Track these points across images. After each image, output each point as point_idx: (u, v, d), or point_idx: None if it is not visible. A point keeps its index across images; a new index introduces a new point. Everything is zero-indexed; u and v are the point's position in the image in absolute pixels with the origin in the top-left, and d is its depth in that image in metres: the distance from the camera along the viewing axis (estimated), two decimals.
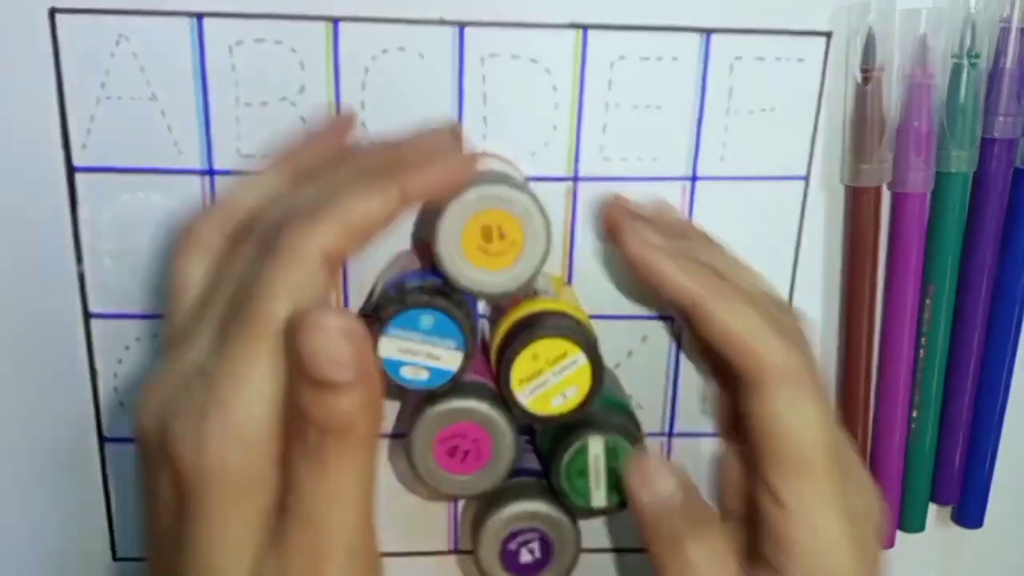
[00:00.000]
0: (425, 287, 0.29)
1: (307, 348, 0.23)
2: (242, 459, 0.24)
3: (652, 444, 0.35)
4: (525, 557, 0.33)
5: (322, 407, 0.23)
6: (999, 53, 0.33)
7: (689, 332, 0.30)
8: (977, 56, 0.33)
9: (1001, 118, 0.34)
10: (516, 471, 0.32)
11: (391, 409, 0.35)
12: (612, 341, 0.35)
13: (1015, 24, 0.33)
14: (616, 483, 0.32)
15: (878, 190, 0.34)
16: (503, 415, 0.30)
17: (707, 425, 0.37)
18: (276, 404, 0.24)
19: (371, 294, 0.33)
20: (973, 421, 0.37)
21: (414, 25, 0.32)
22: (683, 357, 0.36)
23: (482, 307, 0.34)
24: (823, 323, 0.36)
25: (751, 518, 0.29)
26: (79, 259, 0.33)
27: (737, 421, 0.29)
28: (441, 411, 0.30)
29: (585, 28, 0.32)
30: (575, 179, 0.34)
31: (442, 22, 0.32)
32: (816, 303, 0.36)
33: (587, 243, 0.35)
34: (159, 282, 0.34)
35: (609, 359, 0.35)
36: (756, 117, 0.34)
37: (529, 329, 0.30)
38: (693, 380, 0.37)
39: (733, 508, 0.30)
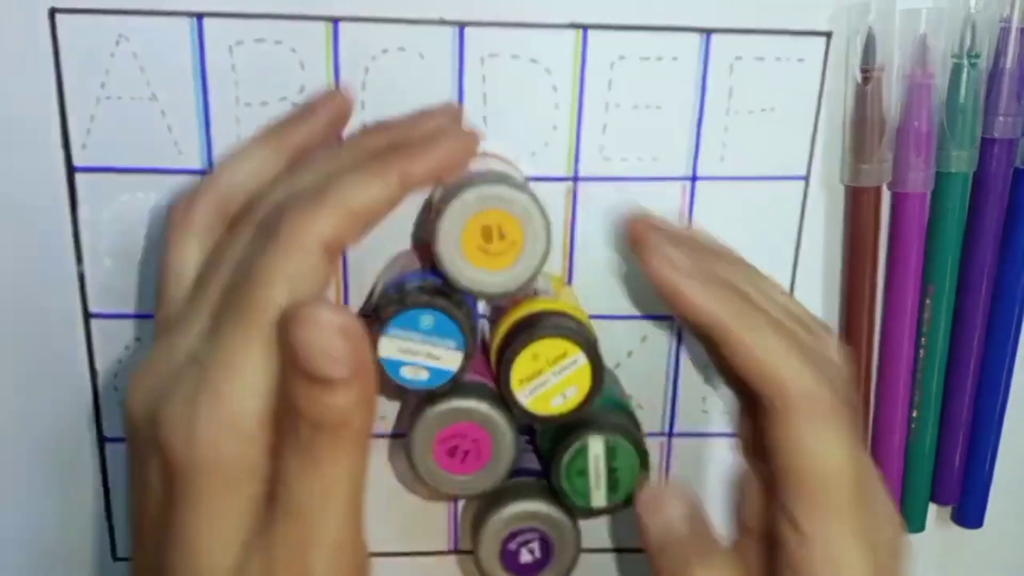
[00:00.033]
0: (425, 287, 0.29)
1: (301, 343, 0.23)
2: (233, 449, 0.24)
3: (652, 444, 0.35)
4: (525, 557, 0.33)
5: (315, 402, 0.23)
6: (999, 53, 0.33)
7: (713, 353, 0.29)
8: (977, 56, 0.33)
9: (1001, 118, 0.34)
10: (516, 471, 0.32)
11: (391, 409, 0.35)
12: (612, 341, 0.35)
13: (1015, 24, 0.33)
14: (616, 483, 0.32)
15: (878, 190, 0.34)
16: (503, 415, 0.30)
17: (707, 425, 0.37)
18: (269, 394, 0.24)
19: (371, 294, 0.33)
20: (973, 421, 0.37)
21: (414, 25, 0.32)
22: (683, 357, 0.36)
23: (482, 307, 0.34)
24: None
25: (769, 538, 0.28)
26: (79, 259, 0.33)
27: (759, 441, 0.28)
28: (441, 411, 0.30)
29: (585, 28, 0.32)
30: (575, 179, 0.34)
31: (442, 22, 0.32)
32: (816, 303, 0.36)
33: (587, 243, 0.35)
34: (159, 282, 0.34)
35: (609, 359, 0.35)
36: (756, 117, 0.34)
37: (529, 329, 0.30)
38: (693, 380, 0.37)
39: (752, 527, 0.29)
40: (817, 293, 0.36)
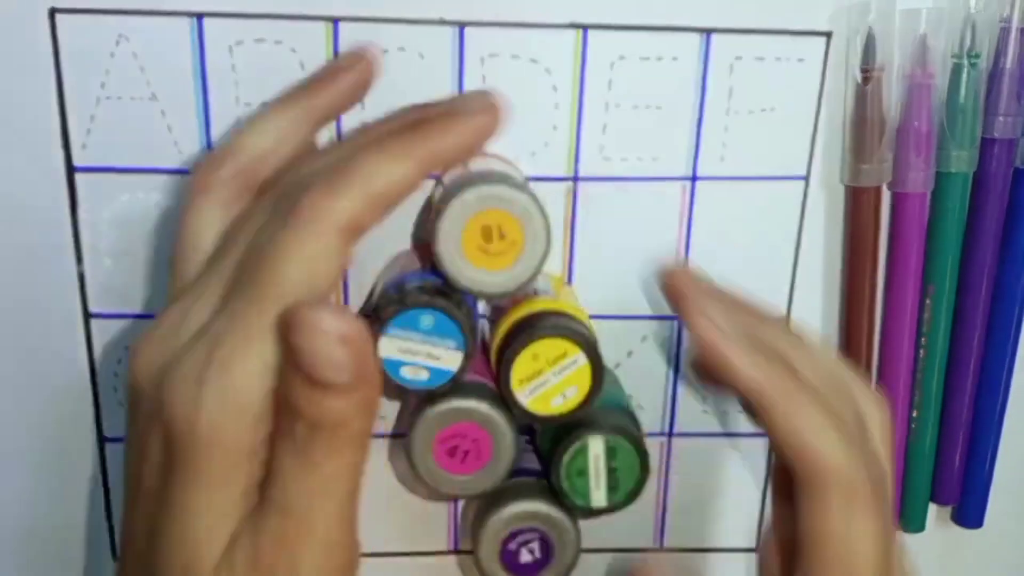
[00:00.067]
0: (425, 287, 0.29)
1: (301, 348, 0.22)
2: (237, 429, 0.23)
3: (652, 444, 0.35)
4: (525, 557, 0.33)
5: (314, 403, 0.23)
6: (999, 53, 0.33)
7: (750, 410, 0.28)
8: (977, 56, 0.33)
9: (1001, 118, 0.34)
10: (516, 471, 0.32)
11: (391, 409, 0.35)
12: (612, 341, 0.35)
13: (1015, 24, 0.33)
14: (616, 483, 0.32)
15: (878, 190, 0.34)
16: (503, 415, 0.30)
17: (707, 425, 0.37)
18: (277, 376, 0.23)
19: (371, 294, 0.33)
20: (973, 421, 0.37)
21: (414, 25, 0.32)
22: (683, 357, 0.36)
23: (482, 307, 0.34)
24: (823, 323, 0.36)
25: None
26: (79, 259, 0.33)
27: (787, 503, 0.28)
28: (441, 411, 0.30)
29: (585, 28, 0.32)
30: (575, 179, 0.34)
31: (442, 22, 0.32)
32: (816, 303, 0.36)
33: (587, 243, 0.35)
34: (159, 282, 0.34)
35: (609, 359, 0.35)
36: (756, 117, 0.34)
37: (529, 329, 0.30)
38: (690, 377, 0.37)
39: None
40: (817, 293, 0.36)
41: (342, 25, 0.31)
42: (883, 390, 0.36)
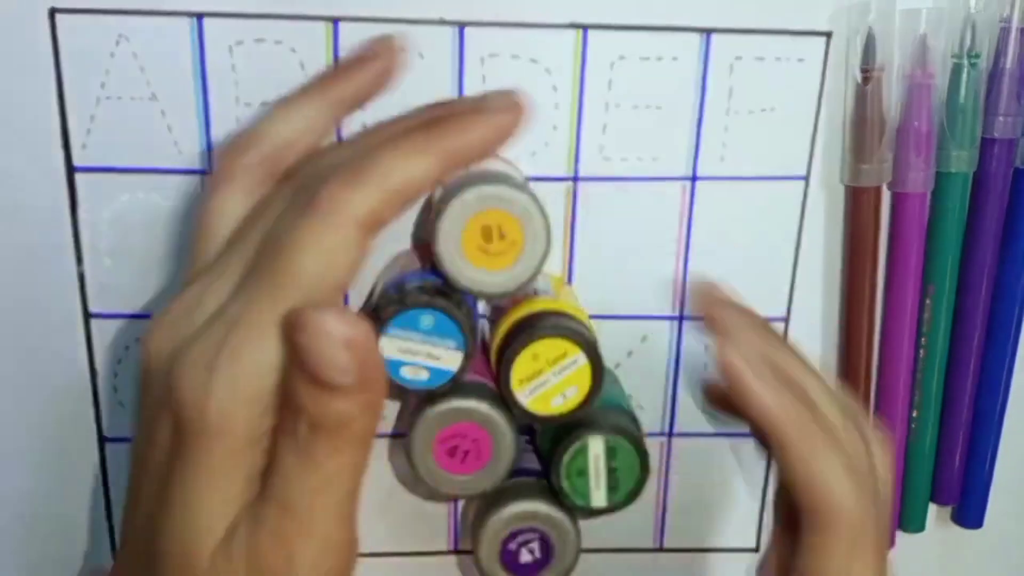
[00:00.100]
0: (425, 287, 0.29)
1: (306, 349, 0.22)
2: (244, 415, 0.23)
3: (652, 444, 0.35)
4: (525, 557, 0.33)
5: (317, 403, 0.23)
6: (999, 53, 0.33)
7: (764, 448, 0.28)
8: (977, 56, 0.33)
9: (1001, 118, 0.34)
10: (516, 471, 0.32)
11: (391, 409, 0.35)
12: (612, 341, 0.35)
13: (1015, 24, 0.33)
14: (616, 483, 0.32)
15: (878, 190, 0.34)
16: (503, 415, 0.30)
17: (707, 425, 0.37)
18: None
19: (371, 294, 0.33)
20: (973, 421, 0.37)
21: (414, 25, 0.31)
22: (683, 357, 0.36)
23: (482, 307, 0.34)
24: (823, 323, 0.36)
25: None
26: (79, 259, 0.33)
27: (789, 530, 0.28)
28: (441, 411, 0.30)
29: (585, 28, 0.32)
30: (575, 179, 0.34)
31: (442, 22, 0.32)
32: (816, 303, 0.36)
33: (587, 243, 0.35)
34: (159, 282, 0.34)
35: (609, 359, 0.35)
36: (756, 117, 0.34)
37: (529, 329, 0.30)
38: (693, 380, 0.37)
39: None
40: (817, 293, 0.36)
41: (342, 25, 0.31)
42: (883, 390, 0.36)
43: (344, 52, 0.31)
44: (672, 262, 0.35)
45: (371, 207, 0.24)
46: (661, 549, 0.38)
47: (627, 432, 0.31)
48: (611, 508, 0.32)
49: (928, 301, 0.36)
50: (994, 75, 0.34)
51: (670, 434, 0.37)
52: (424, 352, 0.29)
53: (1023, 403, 0.38)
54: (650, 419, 0.37)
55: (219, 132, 0.32)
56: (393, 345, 0.28)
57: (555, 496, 0.32)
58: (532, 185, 0.33)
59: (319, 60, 0.32)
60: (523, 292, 0.31)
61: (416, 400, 0.31)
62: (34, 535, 0.36)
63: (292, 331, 0.23)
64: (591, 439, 0.31)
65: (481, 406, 0.30)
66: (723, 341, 0.28)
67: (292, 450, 0.23)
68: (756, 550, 0.39)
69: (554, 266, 0.35)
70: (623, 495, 0.32)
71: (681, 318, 0.36)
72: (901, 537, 0.38)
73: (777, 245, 0.35)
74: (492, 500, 0.33)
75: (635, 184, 0.34)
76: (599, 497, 0.32)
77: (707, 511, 0.38)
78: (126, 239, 0.33)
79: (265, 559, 0.23)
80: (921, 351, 0.36)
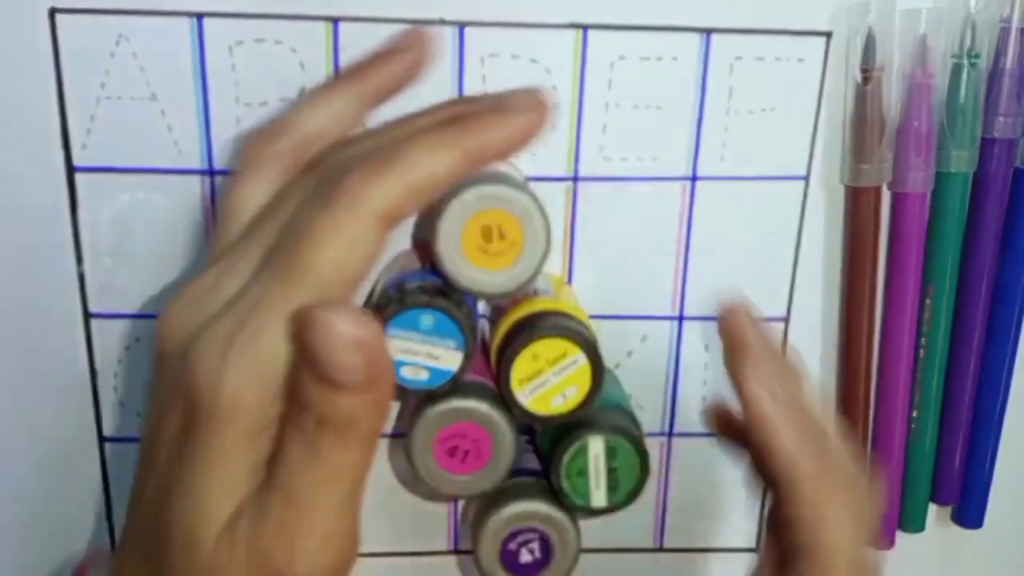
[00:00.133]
0: (425, 287, 0.29)
1: (314, 347, 0.22)
2: (256, 401, 0.23)
3: (652, 444, 0.35)
4: (525, 557, 0.33)
5: (324, 400, 0.23)
6: (999, 53, 0.33)
7: (760, 479, 0.29)
8: (977, 56, 0.33)
9: (1001, 118, 0.34)
10: (516, 471, 0.32)
11: (391, 409, 0.35)
12: (612, 341, 0.35)
13: (1015, 24, 0.33)
14: (616, 483, 0.32)
15: (878, 190, 0.34)
16: (503, 415, 0.30)
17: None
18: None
19: (371, 294, 0.33)
20: (973, 421, 0.37)
21: (414, 25, 0.31)
22: (683, 357, 0.36)
23: (482, 307, 0.34)
24: (823, 323, 0.36)
25: None
26: (79, 259, 0.33)
27: (779, 552, 0.28)
28: (441, 411, 0.30)
29: (585, 28, 0.32)
30: (575, 179, 0.34)
31: (442, 22, 0.32)
32: (816, 303, 0.36)
33: (587, 243, 0.35)
34: (159, 282, 0.34)
35: (609, 359, 0.35)
36: (756, 117, 0.34)
37: (529, 329, 0.30)
38: (693, 380, 0.37)
39: None
40: (817, 293, 0.36)
41: (342, 25, 0.31)
42: (883, 390, 0.36)
43: (343, 52, 0.32)
44: (672, 262, 0.35)
45: (392, 200, 0.24)
46: (661, 549, 0.38)
47: (627, 432, 0.31)
48: (611, 508, 0.32)
49: (928, 301, 0.36)
50: (994, 75, 0.34)
51: (670, 434, 0.37)
52: (424, 352, 0.29)
53: (1023, 403, 0.38)
54: (650, 419, 0.37)
55: (219, 132, 0.32)
56: (393, 345, 0.28)
57: (555, 496, 0.32)
58: (532, 185, 0.33)
59: (319, 60, 0.32)
60: (523, 292, 0.31)
61: (416, 400, 0.31)
62: (34, 535, 0.36)
63: (301, 329, 0.23)
64: (591, 439, 0.31)
65: (481, 406, 0.30)
66: (749, 380, 0.27)
67: (298, 442, 0.24)
68: (756, 550, 0.39)
69: (554, 266, 0.35)
70: (623, 495, 0.32)
71: (681, 318, 0.36)
72: (901, 537, 0.38)
73: (777, 245, 0.35)
74: (492, 500, 0.33)
75: (635, 184, 0.34)
76: (599, 497, 0.32)
77: (707, 511, 0.38)
78: (126, 239, 0.33)
79: (267, 549, 0.24)
80: (921, 351, 0.36)
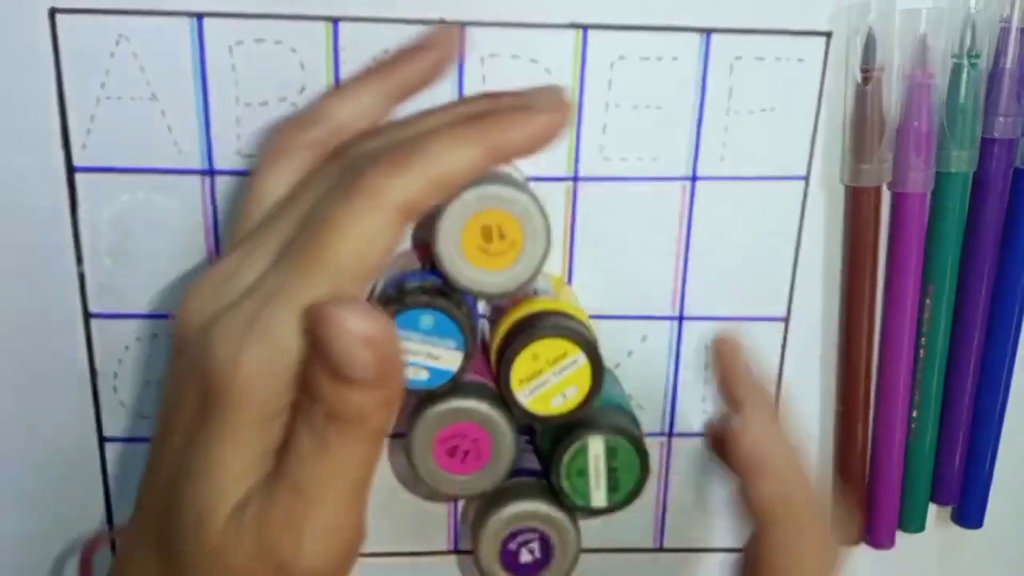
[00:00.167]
0: (425, 287, 0.29)
1: (326, 342, 0.23)
2: (271, 387, 0.24)
3: (652, 444, 0.35)
4: (525, 557, 0.33)
5: (334, 393, 0.23)
6: (999, 53, 0.33)
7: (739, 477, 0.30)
8: (977, 56, 0.33)
9: (1001, 118, 0.34)
10: (516, 471, 0.32)
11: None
12: (612, 341, 0.35)
13: (1015, 24, 0.33)
14: (616, 483, 0.32)
15: (878, 190, 0.34)
16: (503, 415, 0.30)
17: None
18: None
19: (371, 294, 0.33)
20: (973, 421, 0.37)
21: (414, 25, 0.31)
22: (683, 357, 0.36)
23: (482, 307, 0.34)
24: (823, 323, 0.36)
25: None
26: (79, 259, 0.33)
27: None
28: (441, 411, 0.30)
29: (585, 28, 0.32)
30: (575, 179, 0.34)
31: (442, 22, 0.32)
32: (816, 303, 0.36)
33: (587, 243, 0.35)
34: (159, 282, 0.34)
35: (609, 359, 0.35)
36: (756, 117, 0.34)
37: (529, 329, 0.30)
38: (693, 380, 0.37)
39: None
40: (817, 293, 0.36)
41: (342, 25, 0.31)
42: (883, 390, 0.36)
43: (343, 52, 0.32)
44: (672, 262, 0.35)
45: (412, 194, 0.24)
46: (661, 549, 0.38)
47: (627, 432, 0.31)
48: (611, 508, 0.32)
49: (928, 301, 0.36)
50: (994, 75, 0.34)
51: (670, 434, 0.37)
52: (424, 352, 0.29)
53: (1023, 403, 0.38)
54: (650, 419, 0.37)
55: (219, 132, 0.32)
56: None
57: (555, 496, 0.32)
58: (532, 185, 0.33)
59: (319, 60, 0.32)
60: (523, 292, 0.31)
61: (416, 400, 0.31)
62: (34, 535, 0.36)
63: (314, 324, 0.23)
64: (591, 439, 0.31)
65: (481, 406, 0.30)
66: (746, 425, 0.29)
67: (308, 434, 0.24)
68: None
69: (554, 266, 0.35)
70: (623, 495, 0.32)
71: (681, 318, 0.36)
72: (901, 537, 0.38)
73: (777, 245, 0.35)
74: (492, 500, 0.33)
75: (635, 184, 0.34)
76: (599, 497, 0.32)
77: (707, 511, 0.38)
78: (126, 239, 0.33)
79: (273, 537, 0.24)
80: (921, 351, 0.36)
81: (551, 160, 0.33)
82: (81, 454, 0.35)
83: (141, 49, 0.31)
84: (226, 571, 0.24)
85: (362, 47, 0.32)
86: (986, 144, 0.34)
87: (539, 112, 0.26)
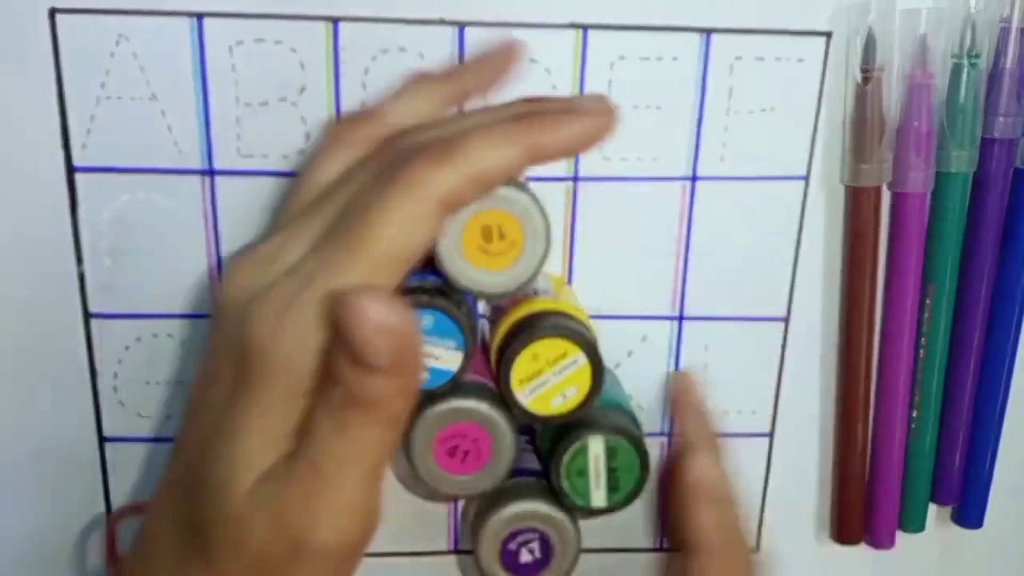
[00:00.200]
0: (425, 287, 0.29)
1: (348, 330, 0.23)
2: (305, 364, 0.25)
3: (652, 444, 0.35)
4: (525, 557, 0.33)
5: (353, 377, 0.24)
6: (999, 53, 0.33)
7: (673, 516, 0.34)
8: (977, 56, 0.33)
9: (1001, 118, 0.34)
10: (516, 471, 0.32)
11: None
12: (612, 341, 0.35)
13: (1015, 24, 0.33)
14: (616, 483, 0.32)
15: (878, 190, 0.34)
16: (503, 415, 0.30)
17: None
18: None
19: None
20: (973, 421, 0.37)
21: (414, 25, 0.32)
22: (683, 357, 0.36)
23: (482, 307, 0.34)
24: (823, 323, 0.36)
25: None
26: (79, 259, 0.33)
27: None
28: (441, 411, 0.30)
29: (585, 28, 0.32)
30: (575, 179, 0.34)
31: (442, 22, 0.32)
32: (816, 303, 0.36)
33: (587, 243, 0.35)
34: (159, 282, 0.34)
35: (609, 359, 0.35)
36: (756, 117, 0.34)
37: (529, 329, 0.30)
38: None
39: None
40: (817, 293, 0.36)
41: (342, 25, 0.31)
42: (883, 390, 0.36)
43: (343, 52, 0.32)
44: (672, 262, 0.35)
45: (452, 188, 0.25)
46: (661, 549, 0.38)
47: (627, 432, 0.31)
48: (611, 508, 0.32)
49: (928, 301, 0.36)
50: (994, 75, 0.34)
51: (670, 434, 0.37)
52: (424, 352, 0.29)
53: (1023, 403, 0.38)
54: (650, 419, 0.37)
55: (219, 132, 0.32)
56: None
57: (555, 496, 0.32)
58: (532, 185, 0.33)
59: (319, 60, 0.32)
60: (523, 292, 0.31)
61: (416, 400, 0.31)
62: (34, 535, 0.36)
63: (336, 309, 0.24)
64: (591, 439, 0.31)
65: (481, 406, 0.30)
66: (693, 456, 0.33)
67: (327, 415, 0.25)
68: (756, 550, 0.39)
69: (554, 266, 0.35)
70: (623, 495, 0.32)
71: (681, 318, 0.36)
72: (901, 537, 0.38)
73: (777, 245, 0.35)
74: (492, 500, 0.33)
75: (635, 184, 0.34)
76: (599, 497, 0.32)
77: None
78: (126, 239, 0.33)
79: (290, 514, 0.25)
80: (921, 351, 0.36)
81: None
82: (81, 454, 0.35)
83: (141, 49, 0.31)
84: (245, 543, 0.25)
85: (362, 47, 0.32)
86: (986, 144, 0.34)
87: (582, 116, 0.27)
